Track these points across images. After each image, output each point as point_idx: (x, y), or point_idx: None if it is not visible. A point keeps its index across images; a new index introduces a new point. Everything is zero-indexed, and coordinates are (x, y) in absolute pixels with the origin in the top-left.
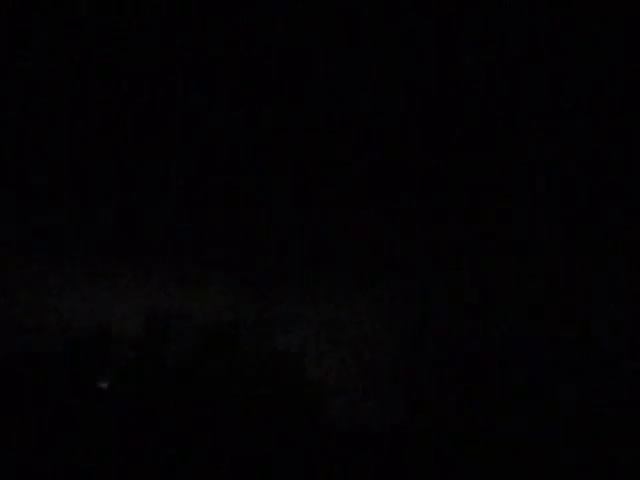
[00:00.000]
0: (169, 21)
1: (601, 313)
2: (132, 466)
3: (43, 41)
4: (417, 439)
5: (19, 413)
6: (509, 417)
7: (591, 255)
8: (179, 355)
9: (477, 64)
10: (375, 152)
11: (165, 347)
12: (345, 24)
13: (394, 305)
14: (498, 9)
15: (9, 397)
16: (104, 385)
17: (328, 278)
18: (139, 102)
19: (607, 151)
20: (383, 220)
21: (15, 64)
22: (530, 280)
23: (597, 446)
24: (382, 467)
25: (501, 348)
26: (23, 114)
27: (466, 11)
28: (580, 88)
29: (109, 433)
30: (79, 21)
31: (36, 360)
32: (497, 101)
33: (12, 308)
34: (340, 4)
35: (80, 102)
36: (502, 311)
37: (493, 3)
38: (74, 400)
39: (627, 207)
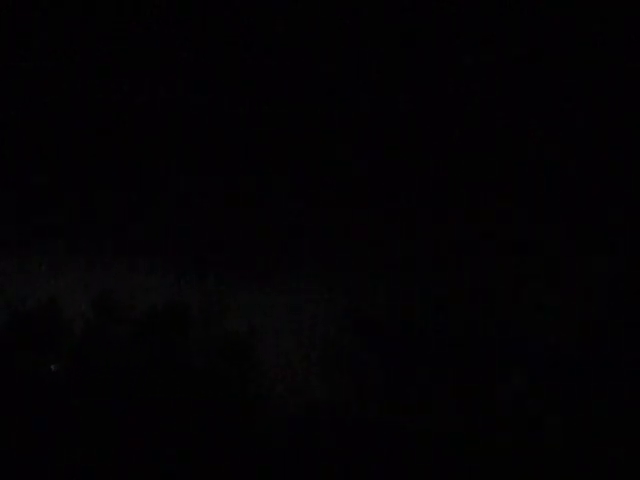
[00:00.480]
0: (169, 21)
1: (601, 313)
2: (76, 444)
3: (43, 41)
4: (361, 421)
5: None
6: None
7: (591, 255)
8: (126, 338)
9: (477, 64)
10: (375, 152)
11: (112, 329)
12: (345, 24)
13: (341, 290)
14: (498, 9)
15: None
16: (53, 367)
17: (277, 262)
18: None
19: (607, 151)
20: (344, 210)
21: (15, 64)
22: (529, 280)
23: (596, 445)
24: (330, 448)
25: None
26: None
27: (466, 11)
28: (580, 88)
29: (60, 413)
30: (79, 21)
31: None
32: (497, 101)
33: None
34: (340, 4)
35: (80, 97)
36: (493, 308)
37: (493, 3)
38: (24, 380)
39: (627, 207)
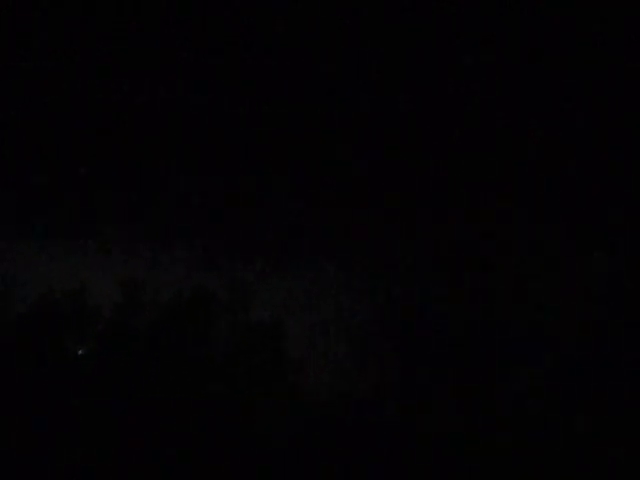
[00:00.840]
0: (169, 21)
1: (600, 313)
2: (105, 431)
3: (43, 41)
4: (387, 407)
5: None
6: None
7: (590, 255)
8: (154, 325)
9: (477, 64)
10: (375, 152)
11: (139, 315)
12: (345, 24)
13: (366, 275)
14: (498, 9)
15: None
16: (81, 351)
17: (299, 250)
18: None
19: (607, 151)
20: (361, 201)
21: (15, 64)
22: (530, 279)
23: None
24: (357, 435)
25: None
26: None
27: (466, 11)
28: (580, 88)
29: (87, 398)
30: (79, 21)
31: (14, 327)
32: (497, 101)
33: None
34: (340, 4)
35: (80, 96)
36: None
37: (493, 3)
38: (53, 367)
39: (627, 207)
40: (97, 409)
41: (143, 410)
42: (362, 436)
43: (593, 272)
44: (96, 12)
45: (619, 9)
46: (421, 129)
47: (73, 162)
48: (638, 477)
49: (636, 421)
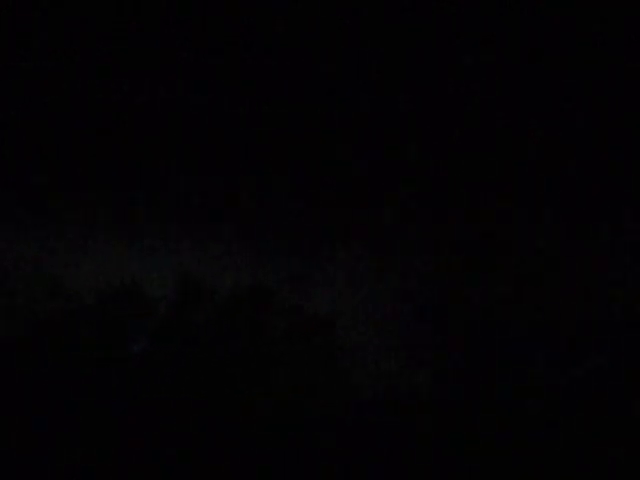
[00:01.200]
0: (169, 21)
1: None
2: (159, 423)
3: (43, 41)
4: (440, 400)
5: (55, 373)
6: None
7: (591, 254)
8: (211, 319)
9: (477, 64)
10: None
11: (195, 311)
12: (345, 24)
13: (414, 273)
14: (498, 9)
15: (44, 355)
16: (137, 347)
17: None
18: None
19: (607, 151)
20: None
21: (15, 64)
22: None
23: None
24: (407, 428)
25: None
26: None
27: (466, 11)
28: (580, 88)
29: (139, 392)
30: (79, 21)
31: (71, 320)
32: (497, 101)
33: (47, 269)
34: (340, 4)
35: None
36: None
37: (493, 3)
38: (108, 360)
39: (627, 207)
40: (154, 405)
41: (203, 405)
42: (440, 419)
43: (593, 272)
44: (97, 12)
45: (619, 9)
46: (421, 129)
47: (135, 159)
48: (638, 477)
49: (636, 421)
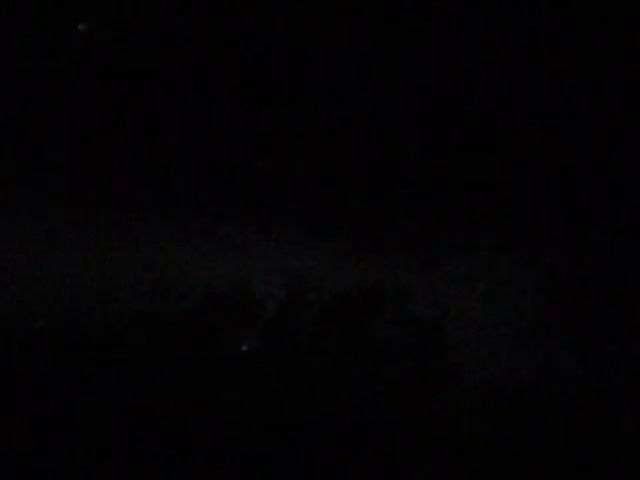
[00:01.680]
0: (169, 21)
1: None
2: (271, 417)
3: (44, 41)
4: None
5: (164, 372)
6: None
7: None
8: (317, 320)
9: (477, 64)
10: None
11: (303, 311)
12: (345, 24)
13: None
14: (498, 9)
15: (155, 354)
16: (246, 347)
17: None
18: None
19: (607, 151)
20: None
21: (15, 64)
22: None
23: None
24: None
25: None
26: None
27: (466, 11)
28: (580, 88)
29: (248, 391)
30: (79, 20)
31: (180, 320)
32: (497, 101)
33: (154, 270)
34: (340, 4)
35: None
36: None
37: (493, 3)
38: (217, 359)
39: (627, 207)
40: (262, 404)
41: (314, 404)
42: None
43: (593, 272)
44: (97, 12)
45: (619, 9)
46: (421, 129)
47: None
48: (638, 477)
49: (636, 421)
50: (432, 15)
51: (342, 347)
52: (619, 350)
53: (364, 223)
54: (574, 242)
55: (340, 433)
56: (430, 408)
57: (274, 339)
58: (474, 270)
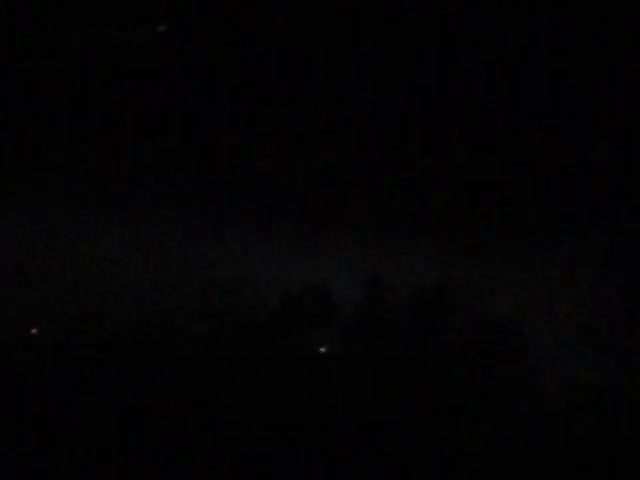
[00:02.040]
0: (169, 21)
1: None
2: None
3: (44, 41)
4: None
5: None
6: None
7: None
8: (395, 319)
9: (477, 63)
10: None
11: (381, 311)
12: (345, 24)
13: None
14: (498, 9)
15: (232, 355)
16: (323, 349)
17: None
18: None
19: (607, 151)
20: None
21: (15, 63)
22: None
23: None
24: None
25: None
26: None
27: (466, 11)
28: (580, 88)
29: (330, 392)
30: (78, 19)
31: (256, 322)
32: (497, 101)
33: (232, 273)
34: (340, 4)
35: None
36: None
37: (493, 3)
38: (296, 360)
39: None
40: (342, 405)
41: (396, 404)
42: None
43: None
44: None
45: (619, 9)
46: (421, 129)
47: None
48: (638, 477)
49: (636, 421)
50: (432, 15)
51: (420, 347)
52: None
53: (441, 224)
54: None
55: (421, 432)
56: (509, 406)
57: (353, 340)
58: (551, 270)
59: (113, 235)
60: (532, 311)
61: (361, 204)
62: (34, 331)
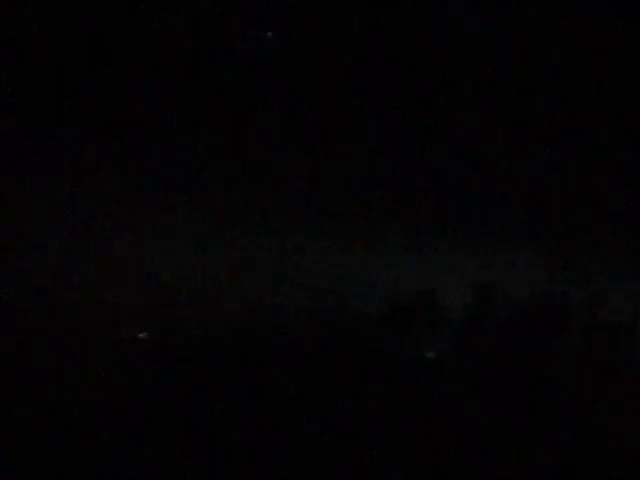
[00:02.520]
0: (169, 21)
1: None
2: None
3: (45, 40)
4: None
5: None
6: None
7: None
8: (503, 327)
9: (477, 63)
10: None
11: (491, 319)
12: (345, 24)
13: None
14: (498, 9)
15: (337, 363)
16: (430, 354)
17: None
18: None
19: (607, 151)
20: None
21: (15, 62)
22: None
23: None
24: None
25: None
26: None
27: (466, 11)
28: (580, 89)
29: (436, 398)
30: (78, 19)
31: (360, 326)
32: (497, 101)
33: (336, 280)
34: (340, 4)
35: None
36: None
37: (493, 3)
38: (399, 365)
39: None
40: (450, 411)
41: (491, 409)
42: None
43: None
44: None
45: (619, 9)
46: (421, 129)
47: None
48: (638, 477)
49: (636, 421)
50: (432, 15)
51: (532, 354)
52: None
53: (551, 229)
54: None
55: (529, 439)
56: (622, 417)
57: (461, 346)
58: None
59: (233, 241)
60: None
61: (470, 210)
62: (142, 335)
